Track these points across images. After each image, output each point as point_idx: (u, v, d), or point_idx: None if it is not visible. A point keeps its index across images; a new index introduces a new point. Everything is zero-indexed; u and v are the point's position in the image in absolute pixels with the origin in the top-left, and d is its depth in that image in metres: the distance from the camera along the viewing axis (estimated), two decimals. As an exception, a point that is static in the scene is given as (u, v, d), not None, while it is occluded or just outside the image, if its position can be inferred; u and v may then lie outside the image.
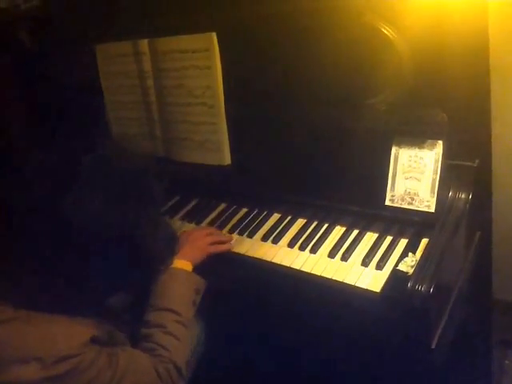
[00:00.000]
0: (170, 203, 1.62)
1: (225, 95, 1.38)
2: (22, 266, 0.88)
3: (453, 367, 1.21)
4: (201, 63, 1.37)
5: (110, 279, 0.93)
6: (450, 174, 1.15)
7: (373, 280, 1.13)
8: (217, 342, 1.38)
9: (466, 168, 1.15)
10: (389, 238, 1.24)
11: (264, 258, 1.29)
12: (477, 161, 1.15)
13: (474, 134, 1.13)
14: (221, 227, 1.43)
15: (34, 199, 0.87)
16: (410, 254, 1.14)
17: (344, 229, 1.31)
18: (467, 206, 1.15)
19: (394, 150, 1.18)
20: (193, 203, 1.60)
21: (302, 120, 1.30)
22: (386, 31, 1.08)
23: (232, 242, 1.35)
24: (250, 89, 1.35)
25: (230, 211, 1.50)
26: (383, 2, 1.06)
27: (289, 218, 1.40)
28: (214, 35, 1.33)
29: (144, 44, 1.48)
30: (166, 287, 1.16)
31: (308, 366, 1.43)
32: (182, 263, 1.22)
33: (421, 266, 1.06)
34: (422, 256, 1.09)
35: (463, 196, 1.15)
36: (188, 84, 1.42)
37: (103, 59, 1.60)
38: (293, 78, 1.27)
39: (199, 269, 1.25)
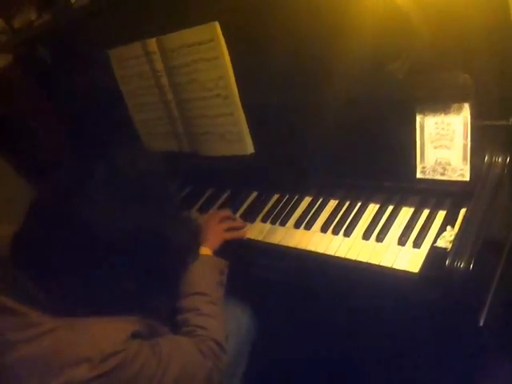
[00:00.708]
0: (203, 198, 1.62)
1: (238, 84, 1.34)
2: (59, 275, 0.92)
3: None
4: (208, 55, 1.33)
5: (144, 279, 0.98)
6: (483, 137, 1.06)
7: (410, 260, 1.08)
8: (266, 330, 1.39)
9: (500, 128, 1.06)
10: (426, 212, 1.17)
11: (298, 247, 1.26)
12: (511, 119, 1.05)
13: (502, 90, 1.03)
14: (254, 216, 1.42)
15: (62, 212, 0.93)
16: (449, 227, 1.07)
17: (378, 206, 1.25)
18: (506, 167, 1.06)
19: (418, 118, 1.10)
20: (225, 195, 1.59)
21: (320, 98, 1.24)
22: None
23: (245, 228, 1.39)
24: (263, 74, 1.30)
25: (262, 199, 1.48)
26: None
27: (320, 200, 1.36)
28: (216, 24, 1.28)
29: (152, 43, 1.45)
30: (191, 274, 1.21)
31: (355, 352, 1.40)
32: (202, 249, 1.28)
33: (459, 240, 1.00)
34: (459, 229, 1.02)
35: (500, 159, 1.06)
36: (200, 78, 1.39)
37: (118, 63, 1.60)
38: (305, 57, 1.21)
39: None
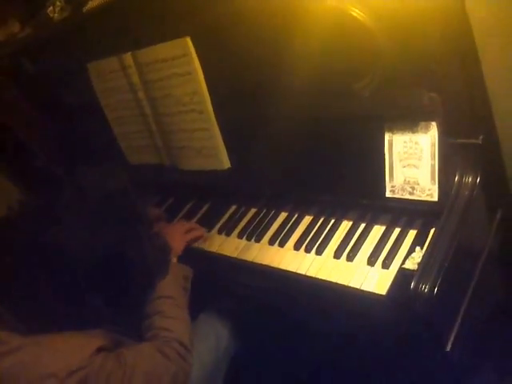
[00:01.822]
0: (181, 212, 1.61)
1: (212, 99, 1.33)
2: (23, 295, 0.96)
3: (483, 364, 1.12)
4: (181, 70, 1.32)
5: (108, 297, 1.02)
6: (452, 156, 1.04)
7: (379, 281, 1.06)
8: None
9: (470, 146, 1.03)
10: (397, 230, 1.15)
11: (271, 265, 1.25)
12: (481, 137, 1.02)
13: (470, 108, 1.01)
14: (230, 231, 1.41)
15: (26, 235, 0.96)
16: (418, 248, 1.05)
17: (351, 223, 1.23)
18: (476, 187, 1.04)
19: (387, 136, 1.08)
20: (204, 208, 1.58)
21: (288, 115, 1.22)
22: (354, 13, 0.97)
23: (203, 230, 1.44)
24: (233, 89, 1.28)
25: (240, 213, 1.47)
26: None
27: (296, 215, 1.35)
28: (188, 39, 1.26)
29: (128, 57, 1.44)
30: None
31: (317, 370, 1.38)
32: None
33: (425, 263, 0.98)
34: (426, 251, 1.00)
35: (470, 179, 1.04)
36: (175, 93, 1.38)
37: (96, 77, 1.59)
38: (271, 73, 1.19)
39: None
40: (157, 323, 1.13)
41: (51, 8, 1.58)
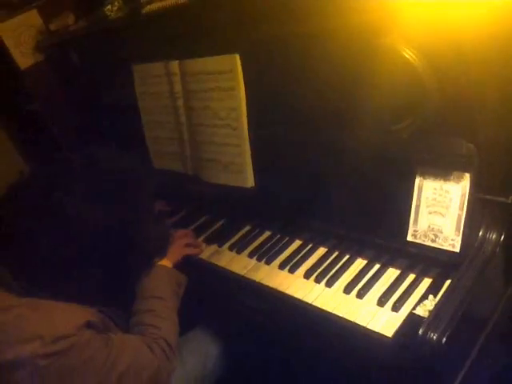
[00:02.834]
0: (197, 223, 1.61)
1: (248, 117, 1.35)
2: (25, 259, 0.98)
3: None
4: (225, 84, 1.35)
5: (104, 269, 1.03)
6: (480, 210, 1.04)
7: (386, 323, 1.04)
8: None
9: (499, 204, 1.03)
10: (411, 276, 1.14)
11: (278, 288, 1.23)
12: (511, 197, 1.03)
13: (506, 166, 1.01)
14: (241, 250, 1.41)
15: (36, 198, 0.99)
16: (431, 296, 1.04)
17: (365, 262, 1.23)
18: (498, 248, 1.03)
19: (417, 180, 1.08)
20: (219, 223, 1.58)
21: (324, 145, 1.24)
22: (406, 54, 1.00)
23: (203, 247, 1.46)
24: (272, 111, 1.31)
25: (254, 234, 1.46)
26: (403, 23, 0.98)
27: (310, 245, 1.34)
28: (237, 56, 1.30)
29: (175, 65, 1.48)
30: (150, 280, 1.25)
31: None
32: (163, 261, 1.32)
33: (437, 310, 0.96)
34: (439, 300, 0.99)
35: (494, 236, 1.03)
36: (214, 106, 1.41)
37: (139, 79, 1.63)
38: (314, 101, 1.22)
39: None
40: (146, 320, 1.15)
41: (109, 7, 1.63)
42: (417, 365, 0.94)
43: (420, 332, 0.93)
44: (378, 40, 1.03)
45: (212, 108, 1.42)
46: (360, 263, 1.23)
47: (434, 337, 0.91)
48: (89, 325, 0.95)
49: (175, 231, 1.47)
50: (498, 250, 1.02)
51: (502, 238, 1.03)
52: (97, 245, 0.98)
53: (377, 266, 1.20)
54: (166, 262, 1.32)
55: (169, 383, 1.12)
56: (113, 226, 1.00)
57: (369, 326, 1.04)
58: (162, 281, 1.26)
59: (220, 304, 1.47)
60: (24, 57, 2.06)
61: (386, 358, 1.00)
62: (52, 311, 0.94)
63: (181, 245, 1.41)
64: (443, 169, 1.04)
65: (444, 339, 0.90)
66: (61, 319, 0.94)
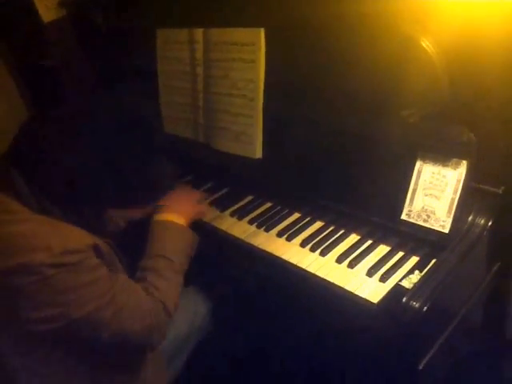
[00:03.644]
0: (202, 188, 1.68)
1: (264, 91, 1.42)
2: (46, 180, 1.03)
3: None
4: (247, 56, 1.41)
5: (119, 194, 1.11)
6: (471, 198, 1.12)
7: (373, 291, 1.12)
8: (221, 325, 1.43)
9: (490, 193, 1.11)
10: (400, 254, 1.21)
11: (274, 253, 1.30)
12: (502, 188, 1.10)
13: (502, 159, 1.09)
14: (242, 217, 1.47)
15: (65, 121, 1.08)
16: (417, 271, 1.12)
17: (358, 237, 1.30)
18: (485, 232, 1.11)
19: (418, 164, 1.16)
20: (223, 191, 1.65)
21: (332, 124, 1.30)
22: (424, 44, 1.07)
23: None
24: (287, 87, 1.38)
25: (255, 204, 1.53)
26: (425, 15, 1.05)
27: (308, 218, 1.41)
28: (262, 31, 1.37)
29: (199, 33, 1.54)
30: (161, 237, 1.25)
31: (296, 364, 1.42)
32: (177, 218, 1.30)
33: (421, 283, 1.04)
34: (425, 274, 1.06)
35: (482, 222, 1.11)
36: (233, 75, 1.47)
37: (162, 43, 1.69)
38: (329, 82, 1.28)
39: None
40: (149, 278, 1.15)
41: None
42: (397, 330, 1.01)
43: (404, 300, 1.00)
44: (398, 27, 1.09)
45: (231, 78, 1.48)
46: (354, 238, 1.31)
47: (417, 305, 0.99)
48: (97, 248, 0.99)
49: (186, 190, 1.51)
50: (483, 234, 1.10)
51: (490, 223, 1.11)
52: (111, 162, 1.07)
53: (369, 242, 1.28)
54: (180, 219, 1.30)
55: (156, 346, 1.14)
56: (128, 150, 1.08)
57: (356, 292, 1.12)
58: (177, 241, 1.25)
59: (215, 266, 1.54)
60: (48, 11, 2.10)
61: (370, 323, 1.08)
62: (63, 228, 0.98)
63: (192, 202, 1.42)
64: (443, 155, 1.11)
65: (425, 308, 0.98)
66: (71, 235, 0.97)
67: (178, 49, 1.64)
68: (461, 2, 0.99)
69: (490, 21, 0.98)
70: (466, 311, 1.15)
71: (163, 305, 1.10)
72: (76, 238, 0.98)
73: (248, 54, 1.41)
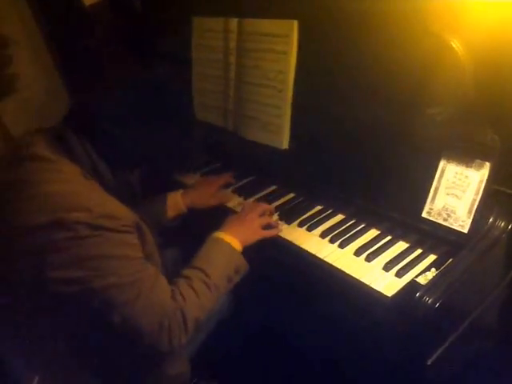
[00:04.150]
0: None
1: (294, 83, 1.44)
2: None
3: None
4: (279, 48, 1.44)
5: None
6: (493, 200, 1.12)
7: (388, 285, 1.14)
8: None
9: (511, 196, 1.11)
10: (418, 251, 1.23)
11: (294, 242, 1.34)
12: (524, 192, 1.11)
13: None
14: (266, 205, 1.50)
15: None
16: (433, 269, 1.13)
17: (378, 232, 1.32)
18: (504, 235, 1.11)
19: (442, 163, 1.17)
20: (248, 179, 1.69)
21: (359, 119, 1.32)
22: (454, 44, 1.07)
23: (280, 227, 1.39)
24: (317, 80, 1.39)
25: (278, 194, 1.57)
26: (455, 15, 1.05)
27: (329, 211, 1.44)
28: (295, 23, 1.39)
29: (234, 23, 1.58)
30: (209, 253, 1.23)
31: (306, 351, 1.46)
32: (233, 240, 1.26)
33: (435, 280, 1.06)
34: (440, 272, 1.08)
35: (502, 224, 1.12)
36: (264, 66, 1.50)
37: (198, 31, 1.73)
38: (359, 76, 1.29)
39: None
40: (180, 284, 1.11)
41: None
42: (409, 325, 1.03)
43: (417, 295, 1.02)
44: (429, 26, 1.10)
45: (262, 68, 1.51)
46: (373, 233, 1.33)
47: (429, 301, 1.01)
48: (139, 226, 1.04)
49: (255, 205, 1.44)
50: (503, 236, 1.10)
51: (510, 227, 1.11)
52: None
53: (388, 237, 1.29)
54: (235, 243, 1.25)
55: (163, 351, 1.08)
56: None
57: (372, 285, 1.14)
58: (218, 259, 1.20)
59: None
60: (91, -7, 2.17)
61: (383, 316, 1.10)
62: (107, 197, 1.04)
63: (258, 226, 1.34)
64: (467, 155, 1.12)
65: (437, 305, 1.00)
66: (113, 204, 1.02)
67: (212, 37, 1.67)
68: (491, 2, 0.99)
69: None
70: (480, 312, 1.16)
71: (182, 314, 1.06)
72: (117, 208, 1.02)
73: (280, 45, 1.43)
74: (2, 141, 2.42)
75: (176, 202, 1.50)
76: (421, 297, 1.02)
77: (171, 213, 1.49)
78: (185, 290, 1.10)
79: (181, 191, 1.52)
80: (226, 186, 1.65)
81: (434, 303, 1.00)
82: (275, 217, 1.45)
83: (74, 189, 1.01)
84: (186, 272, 1.16)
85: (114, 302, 0.99)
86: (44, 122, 1.19)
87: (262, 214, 1.39)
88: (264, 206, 1.44)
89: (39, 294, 1.00)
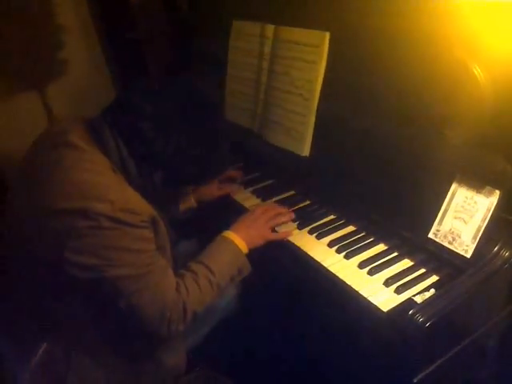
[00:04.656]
0: (249, 176, 1.77)
1: (321, 92, 1.47)
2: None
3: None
4: (308, 57, 1.47)
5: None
6: (500, 228, 1.12)
7: (386, 300, 1.15)
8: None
9: (518, 228, 1.11)
10: (422, 270, 1.24)
11: (301, 247, 1.37)
12: (533, 225, 1.10)
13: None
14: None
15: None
16: (433, 290, 1.14)
17: (386, 248, 1.34)
18: (507, 265, 1.11)
19: (453, 186, 1.17)
20: (268, 182, 1.73)
21: (380, 135, 1.33)
22: (475, 70, 1.08)
23: (291, 228, 1.43)
24: (343, 93, 1.42)
25: (295, 199, 1.60)
26: (479, 42, 1.06)
27: (342, 221, 1.46)
28: (327, 35, 1.42)
29: (270, 29, 1.62)
30: (216, 251, 1.29)
31: (299, 357, 1.49)
32: (239, 241, 1.31)
33: (431, 300, 1.07)
34: (437, 293, 1.09)
35: (506, 254, 1.11)
36: (293, 74, 1.54)
37: (236, 34, 1.78)
38: (381, 94, 1.31)
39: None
40: (185, 279, 1.18)
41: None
42: (400, 340, 1.05)
43: (410, 312, 1.04)
44: (454, 51, 1.11)
45: (291, 75, 1.55)
46: (381, 247, 1.34)
47: (420, 319, 1.02)
48: (154, 221, 1.09)
49: (263, 209, 1.44)
50: (505, 267, 1.10)
51: (514, 258, 1.11)
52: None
53: (395, 254, 1.31)
54: (241, 244, 1.30)
55: (162, 338, 1.17)
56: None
57: (369, 298, 1.16)
58: (224, 258, 1.26)
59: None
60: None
61: (377, 329, 1.12)
62: (130, 192, 1.10)
63: (267, 229, 1.38)
64: (478, 181, 1.12)
65: (428, 324, 1.01)
66: (135, 199, 1.08)
67: (248, 41, 1.72)
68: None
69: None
70: (475, 338, 1.16)
71: (184, 306, 1.13)
72: (138, 203, 1.08)
73: (310, 55, 1.47)
74: (49, 123, 2.55)
75: (187, 195, 1.57)
76: (413, 314, 1.03)
77: (182, 206, 1.57)
78: (190, 284, 1.17)
79: (191, 187, 1.59)
80: (234, 179, 1.72)
81: (425, 322, 1.02)
82: (291, 222, 1.47)
83: (101, 180, 1.08)
84: (193, 267, 1.22)
85: (123, 291, 1.06)
86: (85, 110, 1.26)
87: (276, 216, 1.43)
88: (278, 209, 1.47)
89: (58, 273, 1.06)
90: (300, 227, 1.46)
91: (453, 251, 1.16)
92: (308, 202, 1.58)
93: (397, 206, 1.29)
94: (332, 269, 1.28)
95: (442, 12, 1.09)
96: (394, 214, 1.30)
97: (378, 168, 1.34)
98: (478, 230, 1.12)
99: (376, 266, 1.26)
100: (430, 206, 1.21)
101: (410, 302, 1.10)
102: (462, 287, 1.09)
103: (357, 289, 1.20)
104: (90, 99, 2.17)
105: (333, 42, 1.41)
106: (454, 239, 1.16)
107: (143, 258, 1.08)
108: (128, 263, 1.06)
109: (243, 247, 1.31)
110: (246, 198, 1.65)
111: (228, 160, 1.63)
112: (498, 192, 1.10)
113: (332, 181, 1.49)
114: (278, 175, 1.71)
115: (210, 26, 1.94)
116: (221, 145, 1.32)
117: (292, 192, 1.64)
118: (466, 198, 1.15)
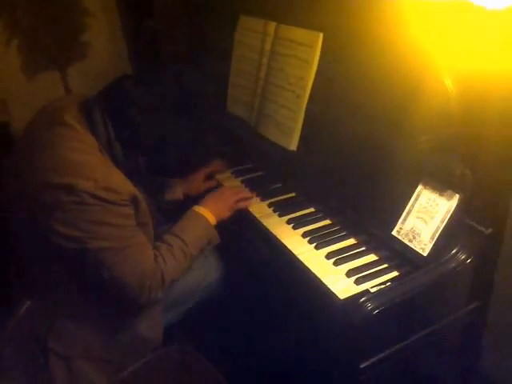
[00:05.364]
0: (241, 167, 1.85)
1: (312, 91, 1.54)
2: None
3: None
4: (302, 56, 1.54)
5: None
6: (458, 231, 1.17)
7: (345, 289, 1.22)
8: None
9: (476, 232, 1.16)
10: (384, 265, 1.29)
11: (277, 236, 1.45)
12: (490, 229, 1.15)
13: (494, 202, 1.14)
14: (265, 200, 1.63)
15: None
16: (390, 283, 1.20)
17: (355, 242, 1.40)
18: (463, 266, 1.17)
19: (419, 188, 1.23)
20: (258, 173, 1.81)
21: (357, 135, 1.39)
22: (447, 82, 1.13)
23: (252, 200, 1.59)
24: (335, 94, 1.48)
25: (280, 191, 1.68)
26: (449, 55, 1.12)
27: (320, 215, 1.53)
28: (320, 35, 1.48)
29: (272, 26, 1.69)
30: (188, 224, 1.41)
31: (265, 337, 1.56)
32: (208, 214, 1.44)
33: (383, 292, 1.13)
34: (390, 284, 1.15)
35: (462, 257, 1.16)
36: (287, 70, 1.61)
37: (241, 29, 1.86)
38: (366, 98, 1.37)
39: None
40: (161, 250, 1.29)
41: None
42: (348, 326, 1.12)
43: (360, 300, 1.10)
44: (426, 62, 1.18)
45: (286, 72, 1.62)
46: (351, 241, 1.40)
47: (369, 307, 1.09)
48: (135, 199, 1.18)
49: (226, 188, 1.63)
50: (459, 269, 1.15)
51: (469, 261, 1.16)
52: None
53: (362, 248, 1.37)
54: (210, 216, 1.43)
55: (142, 304, 1.26)
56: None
57: (329, 286, 1.23)
58: (196, 231, 1.38)
59: (232, 237, 1.70)
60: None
61: (332, 315, 1.19)
62: (114, 171, 1.18)
63: (230, 202, 1.52)
64: (442, 184, 1.18)
65: (375, 312, 1.08)
66: (117, 178, 1.16)
67: (252, 36, 1.80)
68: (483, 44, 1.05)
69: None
70: (430, 333, 1.22)
71: (162, 275, 1.24)
72: (120, 182, 1.16)
73: (303, 53, 1.54)
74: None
75: (175, 187, 1.67)
76: (363, 302, 1.10)
77: (168, 196, 1.67)
78: (166, 255, 1.29)
79: (181, 180, 1.69)
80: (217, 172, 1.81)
81: (373, 310, 1.08)
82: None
83: (88, 160, 1.16)
84: (168, 239, 1.34)
85: (105, 262, 1.16)
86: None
87: (235, 193, 1.56)
88: (242, 191, 1.63)
89: (46, 240, 1.16)
90: (280, 215, 1.53)
91: (412, 249, 1.22)
92: (292, 194, 1.65)
93: (369, 204, 1.36)
94: (301, 257, 1.35)
95: (414, 20, 1.14)
96: (366, 212, 1.37)
97: (354, 168, 1.40)
98: (437, 231, 1.17)
99: (342, 257, 1.33)
100: (397, 206, 1.27)
101: (365, 293, 1.16)
102: (414, 282, 1.14)
103: (319, 276, 1.27)
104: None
105: (325, 42, 1.47)
106: (414, 237, 1.22)
107: (124, 232, 1.17)
108: (109, 236, 1.15)
109: (212, 220, 1.43)
110: (235, 187, 1.73)
111: (213, 150, 1.70)
112: (457, 196, 1.15)
113: (315, 176, 1.55)
114: (268, 168, 1.78)
115: (220, 20, 2.01)
116: (206, 134, 1.40)
117: (279, 184, 1.72)
118: (429, 199, 1.21)
